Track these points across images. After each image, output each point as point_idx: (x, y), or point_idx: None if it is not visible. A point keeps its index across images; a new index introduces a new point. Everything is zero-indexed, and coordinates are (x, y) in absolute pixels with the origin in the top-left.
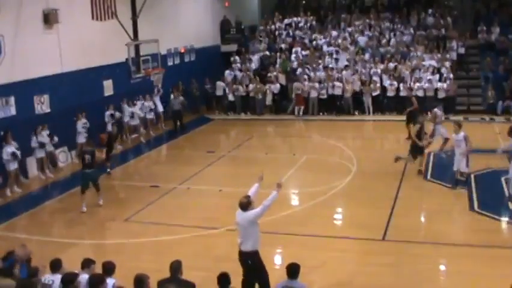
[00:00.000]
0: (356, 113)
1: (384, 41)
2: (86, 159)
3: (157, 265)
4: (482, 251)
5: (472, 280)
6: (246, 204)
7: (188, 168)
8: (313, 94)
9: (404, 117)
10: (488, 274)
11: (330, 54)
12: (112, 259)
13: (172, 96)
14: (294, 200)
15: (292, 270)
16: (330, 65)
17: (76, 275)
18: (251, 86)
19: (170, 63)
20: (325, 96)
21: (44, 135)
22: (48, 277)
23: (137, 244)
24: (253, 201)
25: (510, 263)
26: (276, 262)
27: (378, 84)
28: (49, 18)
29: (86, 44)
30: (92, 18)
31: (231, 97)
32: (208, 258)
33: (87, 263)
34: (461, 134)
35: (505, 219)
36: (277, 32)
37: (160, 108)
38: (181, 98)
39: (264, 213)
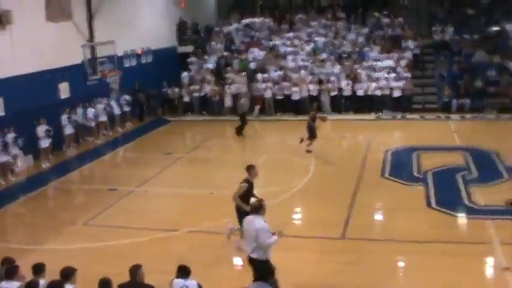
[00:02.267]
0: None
1: (340, 41)
2: None
3: (118, 269)
4: (440, 247)
5: (431, 276)
6: (256, 208)
7: (146, 170)
8: (268, 94)
9: (361, 117)
10: (447, 269)
11: (287, 55)
12: (71, 264)
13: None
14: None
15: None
16: (287, 65)
17: (37, 283)
18: (208, 88)
19: (127, 65)
20: (281, 97)
21: (9, 138)
22: (3, 285)
23: (97, 248)
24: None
25: (468, 258)
26: (237, 263)
27: (336, 84)
28: (1, 20)
29: (41, 46)
30: (47, 19)
31: (187, 98)
32: (169, 260)
33: (38, 269)
34: None
35: (461, 215)
36: (234, 33)
37: (117, 111)
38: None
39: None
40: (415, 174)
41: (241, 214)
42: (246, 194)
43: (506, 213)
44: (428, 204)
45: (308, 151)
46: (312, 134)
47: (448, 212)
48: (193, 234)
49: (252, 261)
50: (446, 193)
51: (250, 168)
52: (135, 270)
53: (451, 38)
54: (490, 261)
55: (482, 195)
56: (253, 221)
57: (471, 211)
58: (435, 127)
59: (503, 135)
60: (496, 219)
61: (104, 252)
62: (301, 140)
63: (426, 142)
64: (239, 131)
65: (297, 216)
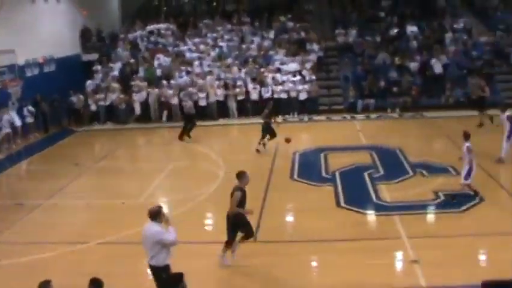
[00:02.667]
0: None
1: (246, 45)
2: None
3: (29, 286)
4: (351, 244)
5: (343, 273)
6: (154, 213)
7: (54, 182)
8: (176, 101)
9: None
10: (358, 266)
11: (193, 61)
12: None
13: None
14: (163, 209)
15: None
16: (194, 71)
17: None
18: (114, 96)
19: (29, 74)
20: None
21: None
22: None
23: (6, 265)
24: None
25: (378, 254)
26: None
27: (243, 89)
28: None
29: None
30: None
31: (94, 107)
32: (81, 274)
33: None
34: (466, 144)
35: (370, 212)
36: (139, 39)
37: (18, 123)
38: None
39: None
40: (323, 174)
41: (233, 225)
42: (240, 202)
43: (413, 208)
44: (337, 203)
45: (259, 149)
46: (271, 133)
47: (357, 210)
48: (106, 246)
49: (152, 269)
50: (354, 192)
51: (240, 175)
52: (44, 286)
53: (354, 40)
54: (399, 255)
55: (389, 192)
56: (151, 228)
57: (379, 208)
58: (341, 127)
59: (407, 133)
60: (402, 215)
61: (14, 269)
62: (264, 144)
63: (334, 143)
64: (187, 133)
65: (208, 222)
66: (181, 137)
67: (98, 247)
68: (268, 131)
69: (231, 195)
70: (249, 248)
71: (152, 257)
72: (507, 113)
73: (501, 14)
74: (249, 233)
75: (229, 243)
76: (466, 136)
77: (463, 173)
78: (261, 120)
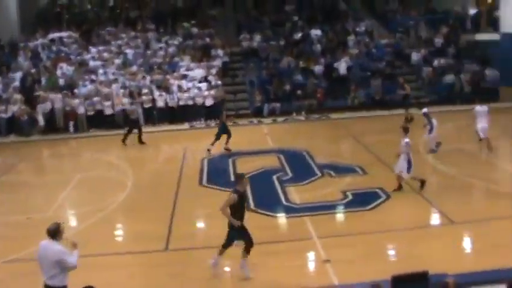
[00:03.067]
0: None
1: (151, 52)
2: None
3: None
4: (263, 248)
5: (258, 276)
6: (53, 232)
7: None
8: (82, 111)
9: (175, 127)
10: (271, 268)
11: (97, 69)
12: None
13: None
14: (72, 221)
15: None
16: (98, 80)
17: None
18: (15, 107)
19: None
20: (92, 113)
21: None
22: None
23: None
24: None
25: (290, 255)
26: None
27: (149, 96)
28: None
29: None
30: None
31: None
32: None
33: None
34: (405, 140)
35: (280, 214)
36: (40, 48)
37: None
38: None
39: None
40: (232, 179)
41: (231, 229)
42: (237, 207)
43: (322, 208)
44: (248, 207)
45: (227, 149)
46: (229, 134)
47: (267, 213)
48: (12, 264)
49: None
50: (264, 195)
51: (239, 178)
52: None
53: (259, 44)
54: (311, 255)
55: (298, 194)
56: (51, 247)
57: (289, 210)
58: (249, 132)
59: (313, 135)
60: (312, 216)
61: None
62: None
63: (242, 147)
64: (125, 137)
65: (118, 233)
66: (124, 141)
67: (4, 266)
68: (225, 132)
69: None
70: (161, 257)
71: (52, 276)
72: (424, 109)
73: (400, 17)
74: (249, 244)
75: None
76: (405, 131)
77: (402, 167)
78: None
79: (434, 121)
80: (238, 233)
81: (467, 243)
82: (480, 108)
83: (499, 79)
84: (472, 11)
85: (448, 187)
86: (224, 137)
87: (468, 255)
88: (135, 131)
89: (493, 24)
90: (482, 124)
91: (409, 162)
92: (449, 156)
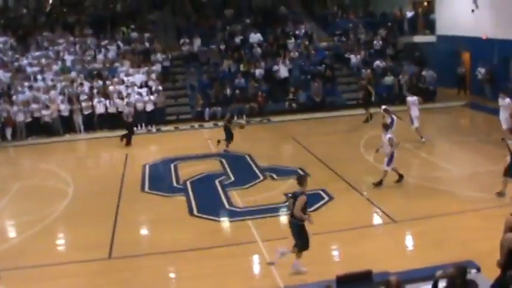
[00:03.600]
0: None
1: (90, 58)
2: None
3: None
4: (207, 253)
5: (202, 282)
6: None
7: None
8: (20, 118)
9: (116, 133)
10: (217, 273)
11: (35, 75)
12: None
13: None
14: (11, 232)
15: None
16: (35, 86)
17: None
18: None
19: None
20: (30, 119)
21: None
22: None
23: None
24: None
25: (235, 259)
26: None
27: (89, 102)
28: None
29: None
30: None
31: None
32: None
33: None
34: (388, 136)
35: (224, 218)
36: None
37: None
38: None
39: None
40: (175, 185)
41: (297, 229)
42: (304, 207)
43: (265, 211)
44: (191, 212)
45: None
46: (229, 137)
47: (211, 218)
48: None
49: None
50: (207, 200)
51: (303, 179)
52: None
53: (199, 49)
54: (255, 258)
55: (240, 198)
56: None
57: (232, 214)
58: (190, 137)
59: (255, 138)
60: (255, 219)
61: None
62: (218, 141)
63: (183, 152)
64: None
65: (60, 242)
66: (128, 143)
67: None
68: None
69: (293, 199)
70: (105, 265)
71: None
72: (383, 106)
73: (339, 20)
74: (304, 247)
75: (301, 251)
76: (386, 127)
77: (386, 160)
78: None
79: (394, 117)
80: (299, 233)
81: (409, 241)
82: (410, 99)
83: (436, 80)
84: (409, 14)
85: (389, 187)
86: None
87: (410, 252)
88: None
89: (430, 26)
90: (413, 113)
91: (391, 157)
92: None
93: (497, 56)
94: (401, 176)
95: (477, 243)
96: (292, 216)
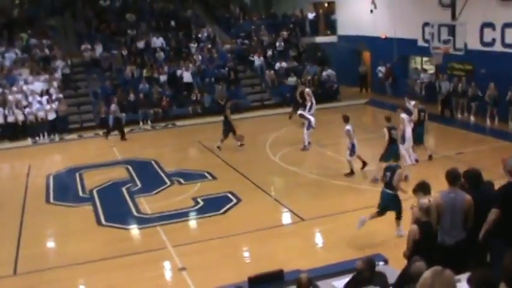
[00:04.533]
0: None
1: None
2: None
3: None
4: (118, 262)
5: None
6: None
7: None
8: None
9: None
10: (128, 282)
11: None
12: None
13: None
14: None
15: None
16: None
17: None
18: None
19: None
20: None
21: None
22: None
23: None
24: None
25: (146, 266)
26: None
27: None
28: None
29: None
30: None
31: None
32: None
33: None
34: (346, 127)
35: (133, 226)
36: None
37: None
38: None
39: None
40: (81, 194)
41: (392, 197)
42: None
43: (174, 217)
44: (98, 222)
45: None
46: (228, 130)
47: (119, 226)
48: None
49: None
50: (115, 208)
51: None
52: None
53: (101, 55)
54: (167, 265)
55: (149, 204)
56: None
57: (141, 221)
58: (95, 144)
59: (161, 144)
60: (165, 225)
61: None
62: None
63: (88, 161)
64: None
65: None
66: (123, 138)
67: None
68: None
69: (391, 172)
70: (10, 282)
71: None
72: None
73: (242, 22)
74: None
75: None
76: (346, 119)
77: (347, 151)
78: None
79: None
80: (395, 201)
81: (318, 239)
82: (308, 90)
83: (338, 79)
84: (311, 15)
85: (296, 186)
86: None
87: (320, 249)
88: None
89: (331, 27)
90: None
91: (353, 146)
92: (295, 155)
93: (396, 54)
94: (364, 163)
95: (385, 236)
96: (387, 187)
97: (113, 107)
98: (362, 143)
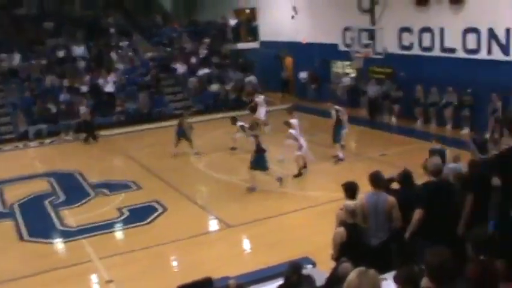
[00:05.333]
0: None
1: None
2: None
3: None
4: (42, 278)
5: None
6: None
7: None
8: None
9: None
10: None
11: None
12: None
13: None
14: None
15: None
16: None
17: None
18: None
19: None
20: None
21: None
22: None
23: None
24: None
25: (73, 280)
26: None
27: None
28: None
29: None
30: None
31: None
32: None
33: None
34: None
35: (57, 240)
36: None
37: None
38: None
39: None
40: (1, 209)
41: None
42: None
43: (99, 229)
44: (21, 237)
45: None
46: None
47: (43, 241)
48: None
49: None
50: (37, 222)
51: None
52: None
53: (19, 64)
54: (93, 278)
55: (73, 217)
56: None
57: (65, 234)
58: (14, 158)
59: (84, 155)
60: (90, 237)
61: None
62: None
63: (8, 174)
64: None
65: None
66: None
67: None
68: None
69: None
70: None
71: None
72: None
73: (164, 29)
74: None
75: None
76: (287, 124)
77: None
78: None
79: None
80: None
81: (246, 245)
82: (259, 99)
83: (261, 85)
84: (233, 22)
85: (221, 192)
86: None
87: (248, 255)
88: None
89: (253, 33)
90: (262, 110)
91: (300, 147)
92: (220, 161)
93: (318, 59)
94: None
95: (312, 239)
96: None
97: (82, 109)
98: (286, 148)
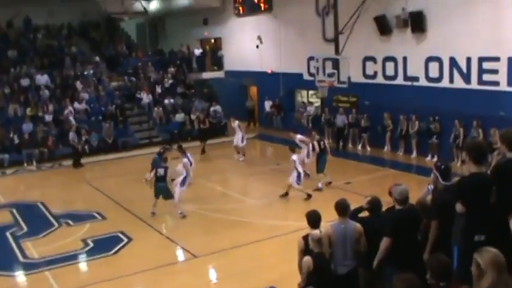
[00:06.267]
0: None
1: None
2: None
3: None
4: None
5: None
6: None
7: None
8: None
9: None
10: None
11: None
12: None
13: None
14: None
15: None
16: None
17: None
18: None
19: None
20: None
21: None
22: None
23: None
24: None
25: None
26: None
27: None
28: None
29: None
30: None
31: None
32: None
33: None
34: (292, 157)
35: (19, 273)
36: None
37: None
38: None
39: None
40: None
41: None
42: None
43: (63, 260)
44: None
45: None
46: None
47: (4, 273)
48: None
49: None
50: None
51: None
52: None
53: None
54: None
55: (36, 248)
56: None
57: (28, 267)
58: None
59: (47, 185)
60: (53, 269)
61: None
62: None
63: None
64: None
65: None
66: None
67: None
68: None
69: None
70: None
71: None
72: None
73: (129, 59)
74: None
75: None
76: (292, 150)
77: (292, 178)
78: None
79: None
80: None
81: (212, 275)
82: (234, 124)
83: (226, 114)
84: (197, 52)
85: (187, 222)
86: None
87: (214, 286)
88: None
89: (218, 63)
90: (238, 135)
91: (299, 175)
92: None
93: (283, 88)
94: (309, 196)
95: (279, 268)
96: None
97: (71, 135)
98: (250, 177)
